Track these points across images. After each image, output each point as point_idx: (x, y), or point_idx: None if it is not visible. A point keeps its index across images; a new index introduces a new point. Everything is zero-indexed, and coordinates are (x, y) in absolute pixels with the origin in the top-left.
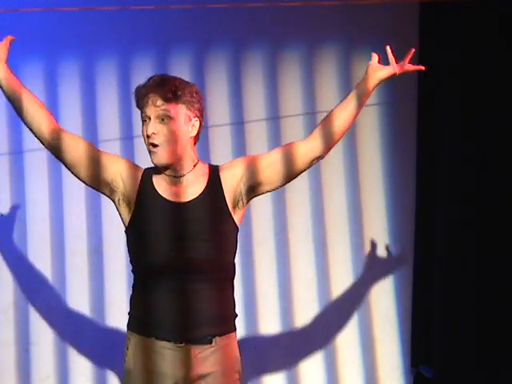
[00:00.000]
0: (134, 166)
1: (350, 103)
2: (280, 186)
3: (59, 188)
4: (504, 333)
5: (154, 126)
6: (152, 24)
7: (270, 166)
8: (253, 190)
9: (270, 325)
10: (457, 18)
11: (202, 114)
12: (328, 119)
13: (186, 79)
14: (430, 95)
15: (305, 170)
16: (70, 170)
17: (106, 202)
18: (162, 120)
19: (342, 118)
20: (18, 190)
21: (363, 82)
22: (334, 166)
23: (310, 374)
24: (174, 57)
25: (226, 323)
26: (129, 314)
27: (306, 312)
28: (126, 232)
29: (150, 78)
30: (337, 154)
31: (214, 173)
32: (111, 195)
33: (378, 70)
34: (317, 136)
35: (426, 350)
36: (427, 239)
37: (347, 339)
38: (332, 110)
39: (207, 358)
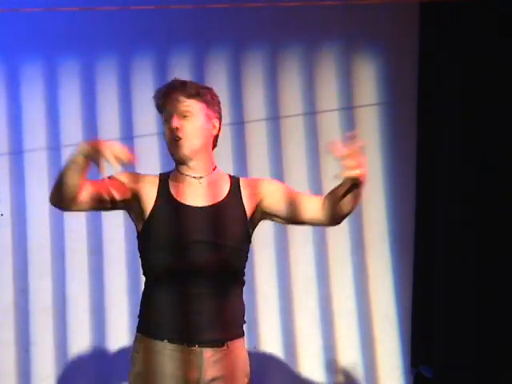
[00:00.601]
0: (149, 180)
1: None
2: (288, 223)
3: None
4: (504, 333)
5: (177, 121)
6: (152, 24)
7: (289, 204)
8: (266, 215)
9: (270, 325)
10: (457, 18)
11: (220, 117)
12: (333, 202)
13: (186, 79)
14: (429, 95)
15: (308, 223)
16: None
17: None
18: (185, 116)
19: (346, 209)
20: (18, 189)
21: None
22: (334, 166)
23: (309, 374)
24: (174, 57)
25: (237, 328)
26: (139, 317)
27: (305, 312)
28: (137, 237)
29: (171, 80)
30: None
31: (235, 183)
32: (132, 210)
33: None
34: (326, 211)
35: (426, 350)
36: (427, 239)
37: (347, 339)
38: (326, 197)
39: (219, 361)
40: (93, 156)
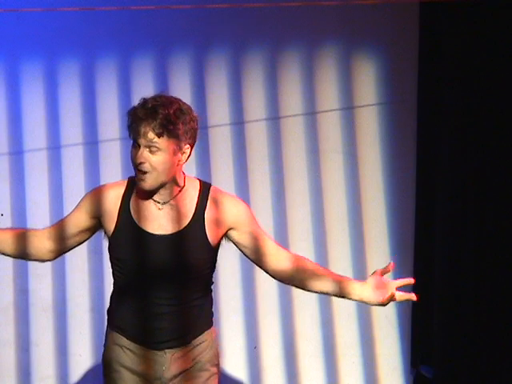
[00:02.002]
0: (112, 196)
1: (333, 287)
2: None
3: (59, 188)
4: (504, 333)
5: (142, 156)
6: (152, 24)
7: (255, 249)
8: (228, 240)
9: (270, 325)
10: (457, 18)
11: (195, 137)
12: (310, 272)
13: (187, 80)
14: (430, 95)
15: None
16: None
17: None
18: (151, 150)
19: (316, 286)
20: (18, 190)
21: (353, 286)
22: (334, 165)
23: (309, 374)
24: (174, 57)
25: (200, 327)
26: (108, 310)
27: (305, 312)
28: (108, 240)
29: (145, 101)
30: (337, 153)
31: (201, 203)
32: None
33: (368, 293)
34: (290, 267)
35: (426, 350)
36: (427, 239)
37: (347, 339)
38: (322, 272)
39: (181, 358)
40: None
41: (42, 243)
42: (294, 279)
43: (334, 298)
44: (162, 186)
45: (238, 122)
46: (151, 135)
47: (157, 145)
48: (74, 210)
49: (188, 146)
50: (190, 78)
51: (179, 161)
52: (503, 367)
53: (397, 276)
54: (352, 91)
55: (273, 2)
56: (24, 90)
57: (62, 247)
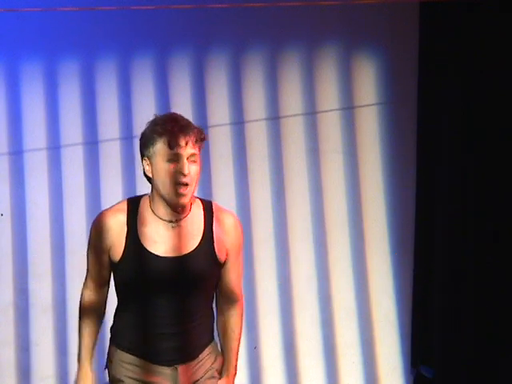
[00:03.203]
0: (116, 227)
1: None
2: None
3: (59, 188)
4: (504, 333)
5: (188, 167)
6: (152, 24)
7: (227, 270)
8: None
9: (270, 325)
10: (457, 18)
11: None
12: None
13: (187, 80)
14: (429, 95)
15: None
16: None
17: (106, 202)
18: (193, 161)
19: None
20: (18, 189)
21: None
22: (334, 165)
23: (310, 374)
24: (174, 57)
25: (206, 343)
26: (111, 328)
27: (305, 312)
28: (115, 267)
29: (172, 117)
30: (337, 154)
31: (208, 220)
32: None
33: None
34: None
35: (426, 350)
36: (427, 239)
37: (347, 339)
38: (229, 331)
39: (191, 370)
40: None
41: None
42: (219, 321)
43: (334, 298)
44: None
45: (238, 122)
46: (194, 143)
47: (196, 155)
48: (91, 256)
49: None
50: (190, 78)
51: None
52: (503, 367)
53: (397, 276)
54: (352, 91)
55: (273, 2)
56: (24, 90)
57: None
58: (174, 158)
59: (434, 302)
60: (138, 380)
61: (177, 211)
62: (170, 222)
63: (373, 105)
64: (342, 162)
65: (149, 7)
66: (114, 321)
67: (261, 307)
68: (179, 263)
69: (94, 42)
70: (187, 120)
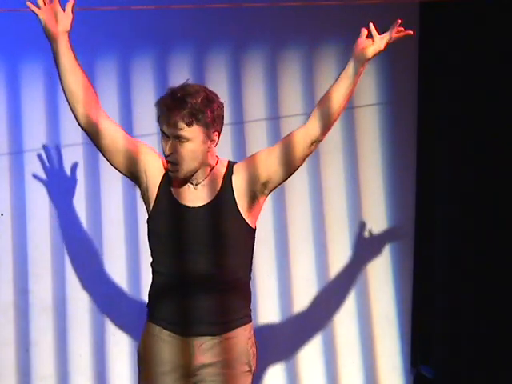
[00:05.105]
0: (160, 162)
1: (342, 84)
2: (288, 175)
3: (59, 188)
4: (504, 333)
5: (171, 146)
6: (152, 24)
7: (273, 160)
8: (265, 186)
9: (270, 324)
10: (457, 18)
11: (222, 123)
12: (323, 101)
13: (186, 80)
14: (429, 95)
15: (306, 154)
16: (103, 155)
17: (105, 202)
18: (180, 141)
19: (336, 99)
20: (18, 189)
21: (352, 63)
22: (334, 165)
23: (310, 374)
24: (174, 57)
25: (236, 320)
26: (147, 304)
27: (305, 312)
28: (148, 213)
29: (173, 91)
30: (337, 153)
31: (229, 175)
32: (139, 186)
33: (362, 51)
34: (313, 119)
35: (426, 350)
36: (427, 239)
37: (347, 339)
38: (327, 91)
39: (210, 349)
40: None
41: (91, 102)
42: (327, 117)
43: (334, 298)
44: (195, 171)
45: (238, 122)
46: (180, 125)
47: (186, 134)
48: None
49: (216, 132)
50: (190, 78)
51: (209, 148)
52: (503, 367)
53: (397, 276)
54: None
55: (273, 2)
56: (24, 90)
57: (97, 129)
58: (165, 135)
59: (434, 302)
60: (155, 355)
61: (194, 176)
62: (192, 183)
63: (373, 105)
64: (342, 162)
65: (149, 7)
66: (148, 295)
67: (261, 307)
68: (201, 212)
69: (94, 42)
70: (187, 93)
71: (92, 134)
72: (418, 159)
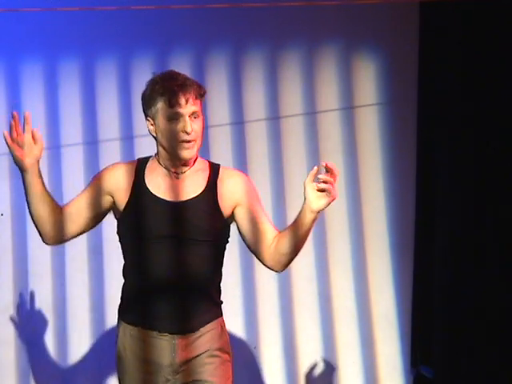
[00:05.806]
0: (124, 173)
1: (290, 235)
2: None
3: (59, 188)
4: (504, 333)
5: (190, 124)
6: (152, 24)
7: (246, 220)
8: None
9: (270, 324)
10: (457, 18)
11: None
12: (277, 243)
13: (184, 74)
14: (429, 95)
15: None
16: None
17: None
18: (194, 117)
19: (285, 246)
20: (18, 190)
21: (301, 215)
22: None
23: (310, 374)
24: (174, 57)
25: (209, 314)
26: (119, 305)
27: (305, 312)
28: (117, 220)
29: (171, 75)
30: (337, 154)
31: (213, 176)
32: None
33: (313, 202)
34: (277, 251)
35: (426, 350)
36: (427, 239)
37: (347, 339)
38: (280, 234)
39: (191, 344)
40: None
41: (58, 223)
42: (272, 256)
43: (334, 298)
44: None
45: (238, 122)
46: (193, 99)
47: (197, 110)
48: (84, 191)
49: None
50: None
51: None
52: (503, 367)
53: (397, 276)
54: (352, 91)
55: (273, 2)
56: (24, 90)
57: (65, 238)
58: (176, 117)
59: (434, 302)
60: (135, 355)
61: (181, 164)
62: (175, 172)
63: (373, 105)
64: (342, 161)
65: (149, 7)
66: (121, 296)
67: (261, 307)
68: (180, 208)
69: (94, 42)
70: (186, 76)
71: (65, 241)
72: (418, 159)
